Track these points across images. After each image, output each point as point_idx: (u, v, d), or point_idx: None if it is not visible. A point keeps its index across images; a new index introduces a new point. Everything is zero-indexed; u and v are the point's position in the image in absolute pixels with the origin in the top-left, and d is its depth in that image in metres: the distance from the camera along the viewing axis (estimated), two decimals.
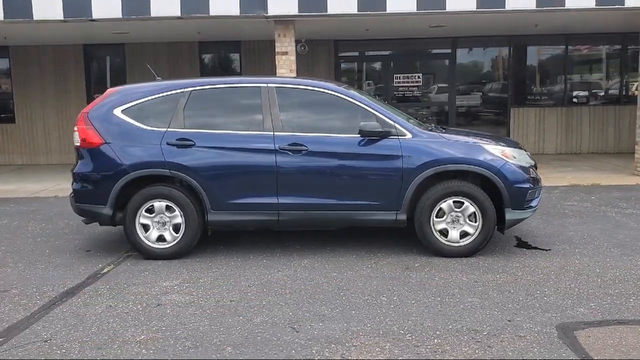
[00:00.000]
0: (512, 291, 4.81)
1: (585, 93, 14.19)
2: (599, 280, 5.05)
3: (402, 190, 5.66)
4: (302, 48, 13.20)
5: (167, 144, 5.77)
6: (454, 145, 5.75)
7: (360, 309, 4.48)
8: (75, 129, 5.98)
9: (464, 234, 5.72)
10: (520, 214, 5.73)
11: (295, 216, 5.80)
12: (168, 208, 5.81)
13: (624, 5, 9.42)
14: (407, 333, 4.05)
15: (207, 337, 4.05)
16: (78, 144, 5.95)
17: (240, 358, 3.73)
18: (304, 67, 13.48)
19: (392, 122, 5.73)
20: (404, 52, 13.97)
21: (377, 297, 4.75)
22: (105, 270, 5.60)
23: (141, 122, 5.87)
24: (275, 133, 5.76)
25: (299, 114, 5.97)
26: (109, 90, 6.12)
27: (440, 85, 14.08)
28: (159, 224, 5.85)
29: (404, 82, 13.55)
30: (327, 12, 9.42)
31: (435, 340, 3.93)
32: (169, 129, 5.82)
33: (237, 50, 13.65)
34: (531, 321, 4.21)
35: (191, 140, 5.77)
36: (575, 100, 14.00)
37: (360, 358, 3.69)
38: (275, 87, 5.90)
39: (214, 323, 4.28)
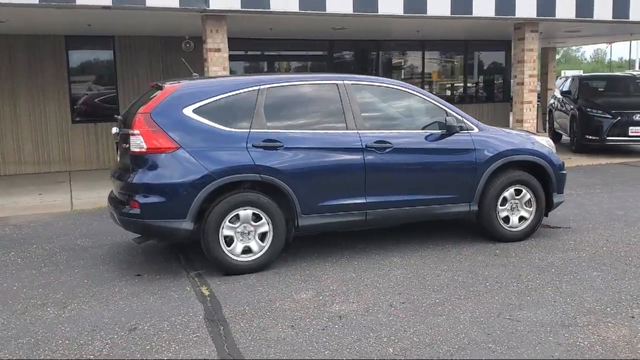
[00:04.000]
0: (611, 264, 5.45)
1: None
2: None
3: (476, 181, 5.97)
4: (188, 45, 12.54)
5: (254, 146, 5.26)
6: (515, 137, 6.25)
7: (531, 295, 4.71)
8: (136, 132, 5.09)
9: (520, 219, 6.24)
10: (561, 197, 6.45)
11: (381, 214, 5.73)
12: (254, 216, 5.29)
13: (514, 15, 10.89)
14: (606, 307, 4.42)
15: (449, 339, 3.93)
16: (142, 150, 5.08)
17: (521, 357, 3.74)
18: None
19: (461, 118, 6.00)
20: (290, 52, 14.05)
21: (519, 282, 5.01)
22: (206, 293, 4.91)
23: (217, 123, 5.25)
24: (360, 131, 5.62)
25: (376, 111, 5.91)
26: (170, 87, 5.31)
27: None
28: (242, 234, 5.30)
29: None
30: (269, 8, 9.18)
31: (636, 310, 4.38)
32: (251, 130, 5.30)
33: (110, 46, 12.34)
34: None
35: (279, 142, 5.33)
36: None
37: (612, 333, 3.97)
38: (352, 84, 5.75)
39: (429, 326, 4.15)
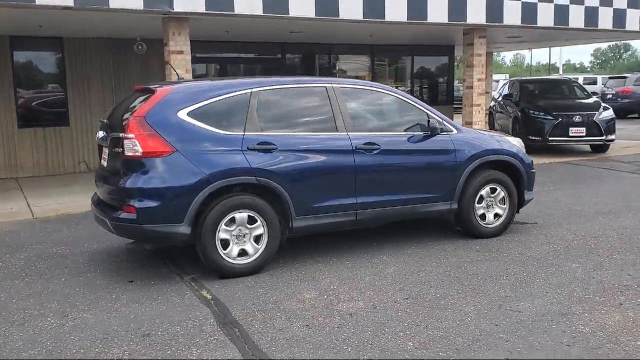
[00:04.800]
0: (585, 256, 5.78)
1: None
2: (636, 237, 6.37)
3: (456, 181, 6.21)
4: (140, 47, 12.27)
5: (249, 148, 5.29)
6: (490, 138, 6.53)
7: (523, 287, 4.96)
8: (131, 135, 5.02)
9: (495, 216, 6.54)
10: (531, 194, 6.80)
11: (370, 214, 5.86)
12: (249, 219, 5.32)
13: (466, 21, 11.33)
14: (594, 296, 4.73)
15: (461, 331, 4.11)
16: (137, 154, 5.01)
17: (533, 344, 3.96)
18: (137, 67, 12.58)
19: (441, 120, 6.23)
20: (244, 54, 14.00)
21: (508, 276, 5.26)
22: (208, 296, 4.89)
23: (212, 126, 5.25)
24: (349, 133, 5.75)
25: (362, 113, 6.03)
26: (164, 90, 5.26)
27: None
28: (237, 237, 5.32)
29: None
30: (234, 11, 9.17)
31: (621, 297, 4.70)
32: (246, 133, 5.33)
33: (59, 48, 11.93)
34: None
35: (273, 144, 5.38)
36: None
37: (607, 319, 4.27)
38: (340, 87, 5.87)
39: (439, 320, 4.31)
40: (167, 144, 5.04)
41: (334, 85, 5.84)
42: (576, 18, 12.60)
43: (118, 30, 11.03)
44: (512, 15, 11.78)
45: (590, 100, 13.92)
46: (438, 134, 6.13)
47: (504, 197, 6.52)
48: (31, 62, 12.06)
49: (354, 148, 5.70)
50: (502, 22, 11.74)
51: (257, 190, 5.38)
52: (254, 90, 5.47)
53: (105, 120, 5.70)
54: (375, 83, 6.36)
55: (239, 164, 5.21)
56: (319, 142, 5.61)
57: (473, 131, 6.60)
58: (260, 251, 5.38)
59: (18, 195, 9.80)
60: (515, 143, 6.72)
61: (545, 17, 12.19)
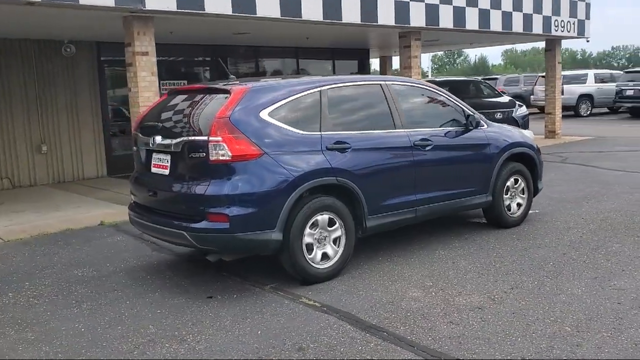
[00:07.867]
0: (615, 236, 6.25)
1: None
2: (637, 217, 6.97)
3: (490, 174, 6.43)
4: (68, 50, 11.31)
5: (327, 148, 5.10)
6: (513, 131, 6.85)
7: (599, 268, 5.26)
8: (218, 139, 4.62)
9: (518, 206, 6.86)
10: (541, 184, 7.22)
11: (426, 210, 5.89)
12: (329, 221, 5.14)
13: (409, 24, 11.73)
14: None
15: (597, 312, 4.28)
16: (225, 158, 4.63)
17: None
18: (64, 71, 11.53)
19: (475, 115, 6.43)
20: (173, 58, 13.29)
21: (572, 260, 5.54)
22: (315, 304, 4.64)
23: (292, 126, 5.00)
24: (406, 130, 5.74)
25: (412, 110, 6.02)
26: (242, 89, 4.89)
27: None
28: (319, 240, 5.12)
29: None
30: (204, 10, 8.74)
31: None
32: (322, 133, 5.13)
33: None
34: None
35: (347, 143, 5.24)
36: None
37: None
38: (392, 84, 5.84)
39: (565, 304, 4.45)
40: (255, 146, 4.71)
41: (387, 82, 5.81)
42: (495, 22, 13.52)
43: (49, 30, 10.00)
44: (446, 19, 12.38)
45: (505, 99, 15.00)
46: (476, 128, 6.31)
47: (523, 187, 6.86)
48: None
49: (412, 144, 5.70)
50: (439, 25, 12.29)
51: (331, 190, 5.19)
52: (322, 88, 5.28)
53: (158, 124, 5.20)
54: (417, 80, 6.40)
55: (322, 164, 5.01)
56: (385, 139, 5.55)
57: (499, 125, 6.87)
58: (339, 254, 5.21)
59: None
60: (528, 135, 7.09)
61: (472, 22, 12.95)
